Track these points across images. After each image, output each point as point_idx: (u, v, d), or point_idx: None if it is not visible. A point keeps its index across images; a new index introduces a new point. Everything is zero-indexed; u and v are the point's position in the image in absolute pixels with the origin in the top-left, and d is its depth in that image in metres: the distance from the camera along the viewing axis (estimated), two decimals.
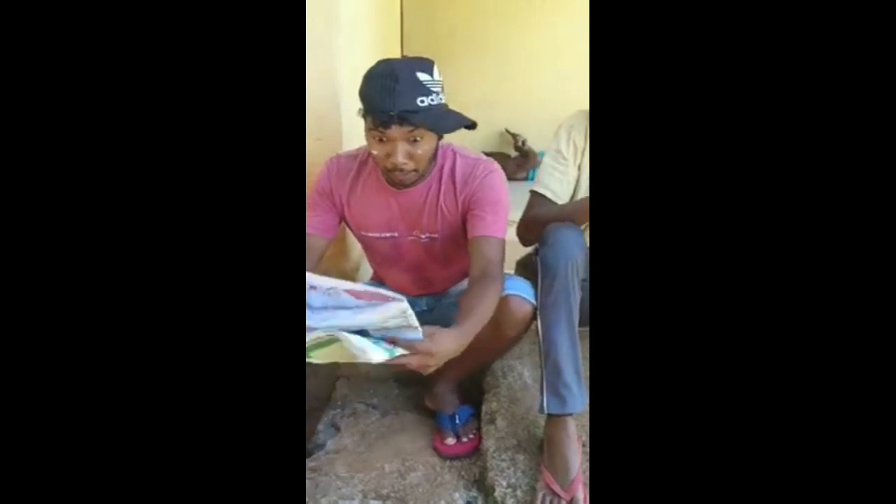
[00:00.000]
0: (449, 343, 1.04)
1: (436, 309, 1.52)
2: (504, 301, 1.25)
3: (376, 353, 0.90)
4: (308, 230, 1.38)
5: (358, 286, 0.95)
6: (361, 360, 0.89)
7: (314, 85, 1.53)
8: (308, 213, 1.39)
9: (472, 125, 1.23)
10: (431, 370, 1.03)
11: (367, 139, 1.23)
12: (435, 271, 1.46)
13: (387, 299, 0.92)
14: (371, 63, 1.20)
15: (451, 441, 1.40)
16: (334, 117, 1.60)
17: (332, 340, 0.91)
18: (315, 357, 0.94)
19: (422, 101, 1.14)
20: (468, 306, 1.15)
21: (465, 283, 1.38)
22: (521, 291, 1.28)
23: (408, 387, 1.65)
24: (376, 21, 2.19)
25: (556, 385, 1.22)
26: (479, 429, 1.42)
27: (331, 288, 0.96)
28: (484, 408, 1.46)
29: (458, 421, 1.42)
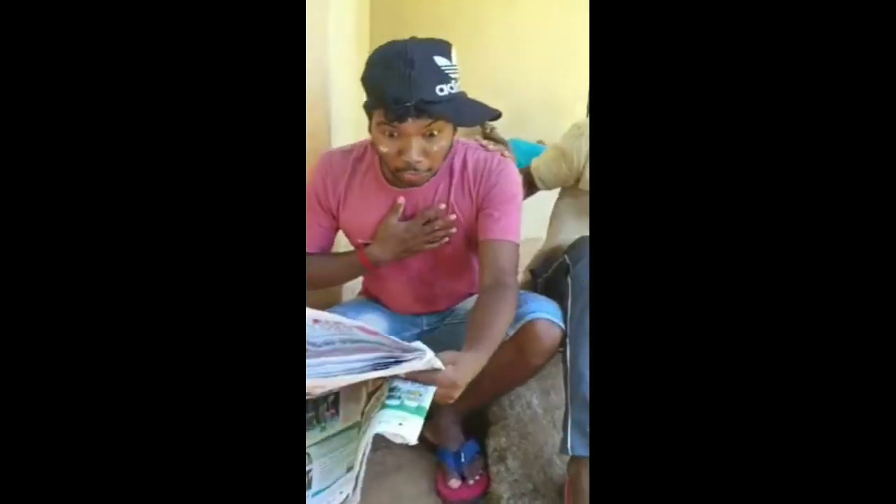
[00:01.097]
0: (471, 369, 0.91)
1: (438, 329, 1.35)
2: (530, 326, 1.10)
3: (410, 427, 0.78)
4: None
5: (370, 328, 0.82)
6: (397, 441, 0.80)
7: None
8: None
9: (496, 115, 1.07)
10: (452, 401, 0.89)
11: (374, 134, 1.06)
12: (440, 284, 1.29)
13: (409, 351, 0.81)
14: (357, 50, 1.03)
15: (455, 483, 1.24)
16: (321, 110, 1.41)
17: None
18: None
19: (441, 90, 0.98)
20: (483, 322, 1.00)
21: (471, 301, 1.22)
22: (549, 314, 1.12)
23: None
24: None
25: (583, 423, 1.08)
26: (486, 467, 1.27)
27: (338, 323, 0.83)
28: (491, 443, 1.30)
29: (463, 459, 1.27)
